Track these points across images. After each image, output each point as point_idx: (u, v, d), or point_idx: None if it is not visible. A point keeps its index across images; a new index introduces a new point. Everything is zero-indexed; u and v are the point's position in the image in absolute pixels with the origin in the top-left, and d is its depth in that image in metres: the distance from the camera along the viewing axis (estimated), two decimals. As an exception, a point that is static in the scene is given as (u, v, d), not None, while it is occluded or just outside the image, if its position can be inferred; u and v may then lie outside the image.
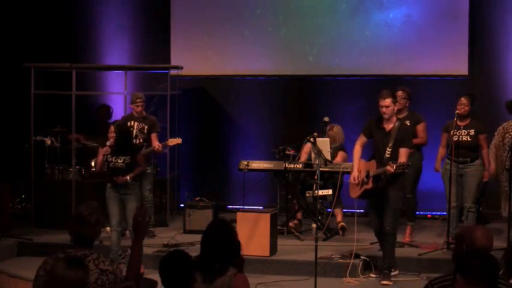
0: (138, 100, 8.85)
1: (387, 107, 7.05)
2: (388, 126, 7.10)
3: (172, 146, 9.11)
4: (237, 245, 4.20)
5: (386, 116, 7.07)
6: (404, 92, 8.26)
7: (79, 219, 4.05)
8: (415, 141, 8.12)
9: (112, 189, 7.62)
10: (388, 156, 6.96)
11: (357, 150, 7.31)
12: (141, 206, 4.63)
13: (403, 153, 6.95)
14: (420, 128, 8.28)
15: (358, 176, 7.16)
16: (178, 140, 8.99)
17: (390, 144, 6.99)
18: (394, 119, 7.16)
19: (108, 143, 7.71)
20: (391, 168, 6.77)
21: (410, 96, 8.30)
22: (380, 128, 7.14)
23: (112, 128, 7.80)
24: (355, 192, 7.32)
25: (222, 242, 4.12)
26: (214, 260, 4.05)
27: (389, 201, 7.04)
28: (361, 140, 7.37)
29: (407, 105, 8.26)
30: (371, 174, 7.06)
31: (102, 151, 7.76)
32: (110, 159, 7.65)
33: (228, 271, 4.06)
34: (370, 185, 7.08)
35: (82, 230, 4.03)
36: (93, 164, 9.41)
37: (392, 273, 7.27)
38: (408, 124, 7.86)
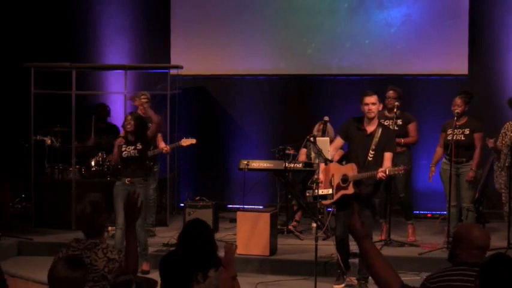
0: (143, 97, 8.61)
1: (373, 104, 6.57)
2: (370, 128, 6.62)
3: (186, 146, 8.81)
4: (215, 244, 4.22)
5: (372, 115, 6.57)
6: (395, 92, 8.24)
7: (92, 206, 4.27)
8: (407, 140, 8.21)
9: (122, 187, 7.45)
10: (370, 159, 6.53)
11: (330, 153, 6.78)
12: (134, 191, 4.67)
13: (388, 158, 6.52)
14: (411, 127, 8.28)
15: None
16: (192, 140, 8.76)
17: (373, 147, 6.55)
18: (376, 121, 6.68)
19: (121, 134, 7.57)
20: (383, 174, 6.35)
21: (400, 96, 8.27)
22: (360, 129, 6.66)
23: (129, 117, 7.62)
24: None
25: (205, 242, 4.10)
26: (195, 261, 3.97)
27: (374, 209, 6.70)
28: (336, 142, 6.98)
29: (396, 104, 8.18)
30: (351, 178, 6.54)
31: (117, 142, 7.59)
32: (123, 149, 7.53)
33: (210, 272, 4.07)
34: (350, 191, 6.53)
35: (95, 218, 4.25)
36: (93, 163, 9.42)
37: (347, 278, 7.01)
38: (396, 128, 7.87)
